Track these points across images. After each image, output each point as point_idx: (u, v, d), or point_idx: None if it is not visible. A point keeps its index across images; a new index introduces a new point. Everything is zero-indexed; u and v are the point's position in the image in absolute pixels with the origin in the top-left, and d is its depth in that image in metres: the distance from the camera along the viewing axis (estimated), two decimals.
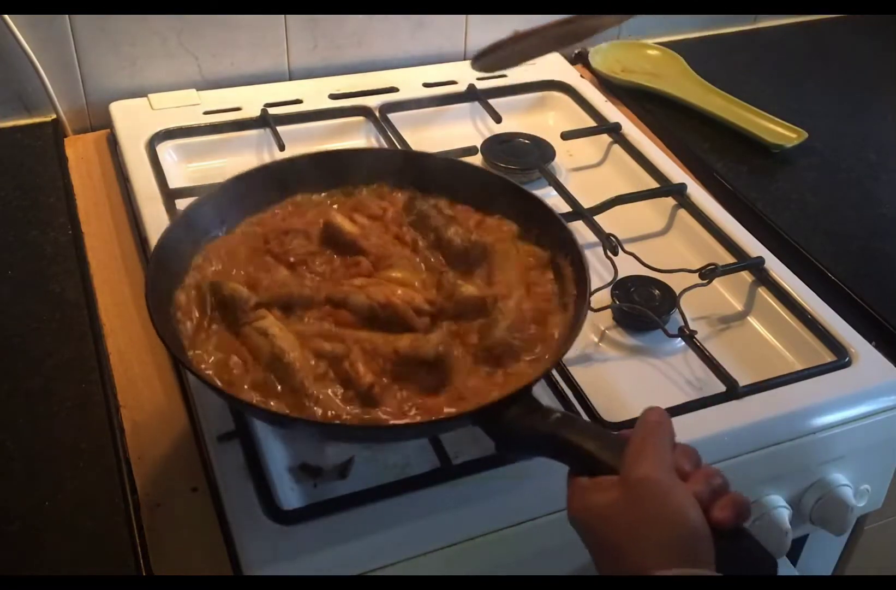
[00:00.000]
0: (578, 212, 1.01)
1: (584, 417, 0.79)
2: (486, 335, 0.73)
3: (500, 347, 0.72)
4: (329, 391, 0.69)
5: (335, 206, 0.85)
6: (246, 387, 0.69)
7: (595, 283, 0.90)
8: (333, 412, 0.67)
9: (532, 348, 0.73)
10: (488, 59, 0.77)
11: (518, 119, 1.19)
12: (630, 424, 0.79)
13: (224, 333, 0.73)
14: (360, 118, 1.15)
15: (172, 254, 0.75)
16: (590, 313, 0.85)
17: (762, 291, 0.95)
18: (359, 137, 1.15)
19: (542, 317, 0.76)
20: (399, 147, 1.09)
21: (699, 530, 0.54)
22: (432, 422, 0.69)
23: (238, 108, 1.14)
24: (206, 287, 0.75)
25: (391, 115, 1.15)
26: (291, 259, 0.78)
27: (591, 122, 1.18)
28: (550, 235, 0.80)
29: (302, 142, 1.11)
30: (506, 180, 0.84)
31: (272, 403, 0.68)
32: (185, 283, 0.75)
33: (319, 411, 0.67)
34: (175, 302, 0.74)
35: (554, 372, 0.82)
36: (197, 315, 0.73)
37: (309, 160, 0.86)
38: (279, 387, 0.69)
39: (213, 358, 0.71)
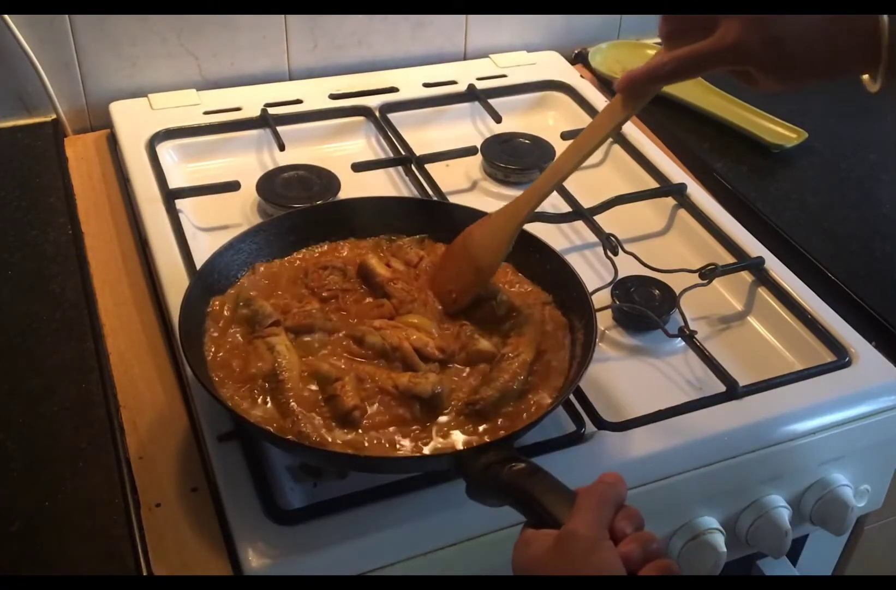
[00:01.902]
0: (578, 212, 1.01)
1: (585, 417, 0.79)
2: (476, 390, 0.74)
3: (482, 403, 0.73)
4: (312, 413, 0.72)
5: (377, 248, 0.89)
6: (237, 390, 0.74)
7: (595, 283, 0.91)
8: (313, 434, 0.70)
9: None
10: None
11: (518, 119, 1.19)
12: (630, 424, 0.80)
13: (240, 340, 0.78)
14: (360, 118, 1.16)
15: (217, 268, 0.82)
16: None
17: (762, 291, 0.95)
18: (359, 137, 1.15)
19: (546, 380, 0.77)
20: (402, 150, 1.10)
21: None
22: (403, 459, 0.71)
23: (238, 109, 1.14)
24: (242, 299, 0.81)
25: (391, 115, 1.15)
26: (324, 293, 0.83)
27: None
28: (573, 298, 0.81)
29: (302, 142, 1.11)
30: (541, 242, 0.84)
31: (258, 414, 0.72)
32: (228, 291, 0.82)
33: (297, 429, 0.71)
34: (211, 305, 0.80)
35: None
36: (225, 318, 0.80)
37: (364, 203, 0.90)
38: (268, 398, 0.73)
39: (220, 355, 0.77)
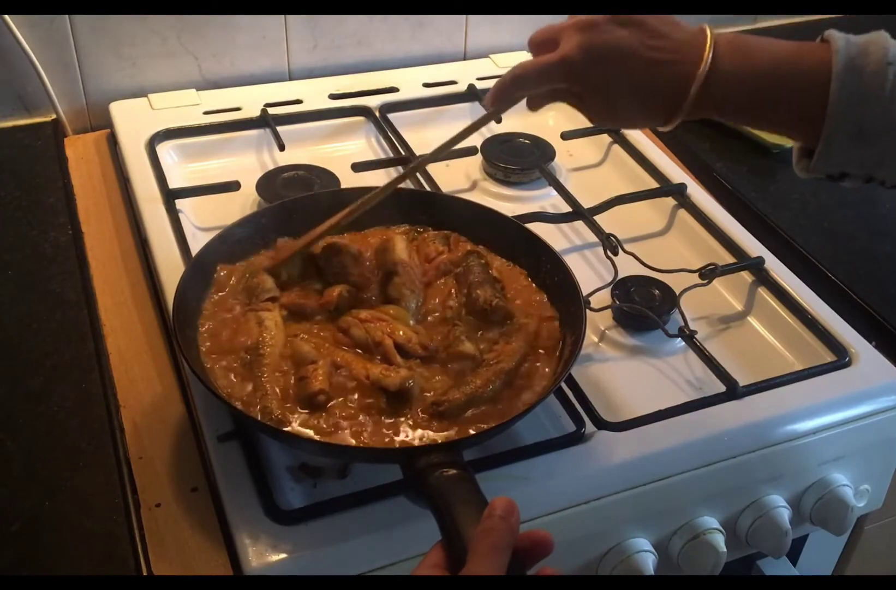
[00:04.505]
0: (578, 212, 1.01)
1: (585, 417, 0.79)
2: (447, 391, 0.74)
3: (446, 404, 0.73)
4: (280, 392, 0.73)
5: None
6: (218, 360, 0.76)
7: (595, 283, 0.91)
8: (276, 411, 0.71)
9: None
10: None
11: (518, 119, 1.18)
12: (630, 424, 0.80)
13: (237, 310, 0.80)
14: (360, 118, 1.16)
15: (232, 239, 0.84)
16: (590, 313, 0.85)
17: (762, 291, 0.95)
18: (359, 137, 1.15)
19: (527, 391, 0.76)
20: (402, 150, 1.10)
21: None
22: (349, 448, 0.71)
23: (238, 109, 1.14)
24: (250, 271, 0.82)
25: (391, 115, 1.15)
26: (330, 277, 0.83)
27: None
28: (570, 313, 0.80)
29: (302, 142, 1.12)
30: (554, 254, 0.83)
31: (231, 385, 0.74)
32: (239, 261, 0.84)
33: (263, 405, 0.72)
34: (217, 271, 0.82)
35: None
36: (231, 286, 0.82)
37: (403, 194, 0.90)
38: (244, 371, 0.75)
39: (212, 323, 0.78)
